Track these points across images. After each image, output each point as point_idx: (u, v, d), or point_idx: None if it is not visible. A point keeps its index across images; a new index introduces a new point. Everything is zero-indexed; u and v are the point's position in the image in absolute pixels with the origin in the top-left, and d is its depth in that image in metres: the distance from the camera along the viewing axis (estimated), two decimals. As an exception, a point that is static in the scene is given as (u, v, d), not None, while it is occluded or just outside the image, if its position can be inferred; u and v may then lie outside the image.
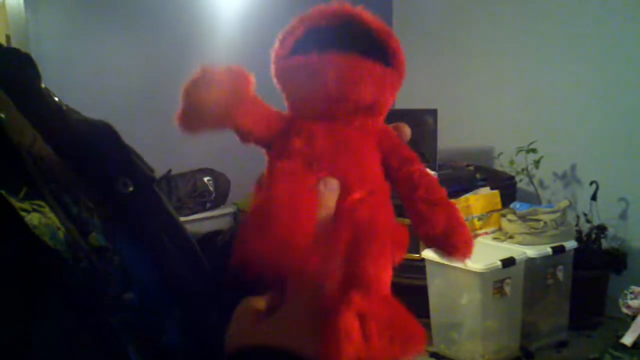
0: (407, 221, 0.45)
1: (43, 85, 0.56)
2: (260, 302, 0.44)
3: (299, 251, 0.39)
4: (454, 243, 0.45)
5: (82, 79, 2.73)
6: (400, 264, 0.45)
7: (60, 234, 0.47)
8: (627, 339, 2.26)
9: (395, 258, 0.44)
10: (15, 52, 0.55)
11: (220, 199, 3.23)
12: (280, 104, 0.48)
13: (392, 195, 0.47)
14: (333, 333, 0.38)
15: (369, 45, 0.46)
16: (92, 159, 0.55)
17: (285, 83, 0.47)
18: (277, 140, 0.45)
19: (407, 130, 0.48)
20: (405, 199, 0.46)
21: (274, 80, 0.48)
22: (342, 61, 0.44)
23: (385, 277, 0.43)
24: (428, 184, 0.45)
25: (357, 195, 0.43)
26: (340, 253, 0.42)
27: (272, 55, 0.47)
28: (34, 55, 0.56)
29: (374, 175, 0.45)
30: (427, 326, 2.77)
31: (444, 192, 0.45)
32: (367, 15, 0.46)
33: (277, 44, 0.47)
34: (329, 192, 0.42)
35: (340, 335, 0.38)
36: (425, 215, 0.44)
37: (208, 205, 3.17)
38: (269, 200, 0.40)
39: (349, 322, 0.38)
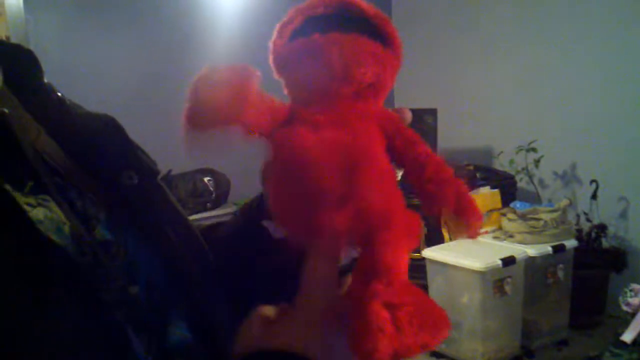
0: (414, 202, 0.45)
1: (46, 81, 0.56)
2: (271, 311, 0.45)
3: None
4: (466, 221, 0.45)
5: (81, 79, 2.72)
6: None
7: (66, 229, 0.47)
8: (627, 336, 2.26)
9: (410, 245, 0.43)
10: (18, 48, 0.55)
11: (220, 199, 3.23)
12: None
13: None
14: (365, 327, 0.38)
15: (366, 29, 0.46)
16: (97, 152, 0.55)
17: (287, 68, 0.47)
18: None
19: (408, 114, 0.49)
20: (414, 180, 0.46)
21: (274, 70, 0.48)
22: (346, 40, 0.45)
23: (403, 263, 0.42)
24: (435, 164, 0.45)
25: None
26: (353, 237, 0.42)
27: (270, 45, 0.47)
28: (33, 54, 0.56)
29: (380, 160, 0.45)
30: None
31: (451, 171, 0.45)
32: (363, 2, 0.47)
33: (275, 34, 0.48)
34: None
35: (373, 328, 0.37)
36: (436, 195, 0.44)
37: (208, 205, 3.17)
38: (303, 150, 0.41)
39: (380, 314, 0.38)
